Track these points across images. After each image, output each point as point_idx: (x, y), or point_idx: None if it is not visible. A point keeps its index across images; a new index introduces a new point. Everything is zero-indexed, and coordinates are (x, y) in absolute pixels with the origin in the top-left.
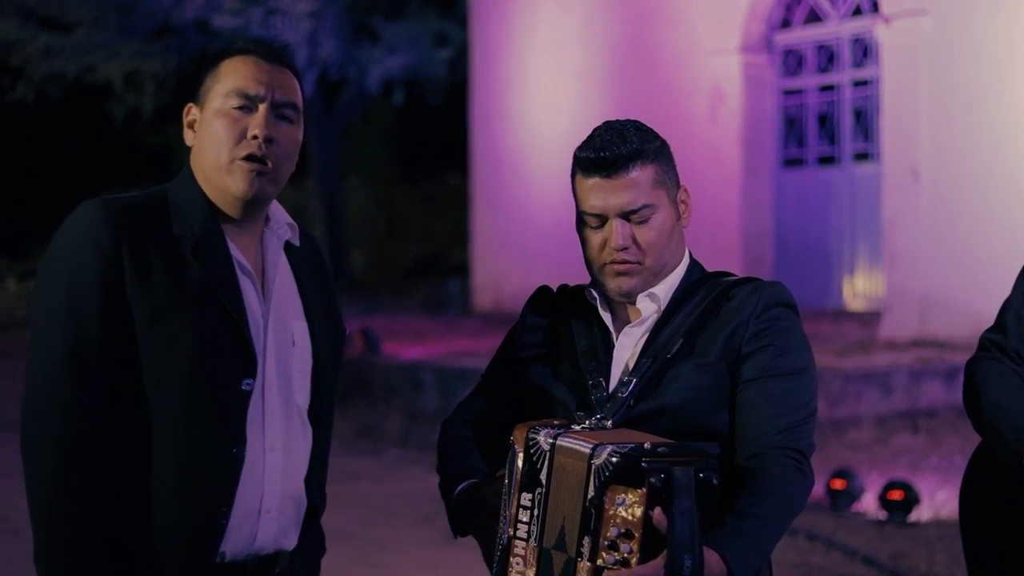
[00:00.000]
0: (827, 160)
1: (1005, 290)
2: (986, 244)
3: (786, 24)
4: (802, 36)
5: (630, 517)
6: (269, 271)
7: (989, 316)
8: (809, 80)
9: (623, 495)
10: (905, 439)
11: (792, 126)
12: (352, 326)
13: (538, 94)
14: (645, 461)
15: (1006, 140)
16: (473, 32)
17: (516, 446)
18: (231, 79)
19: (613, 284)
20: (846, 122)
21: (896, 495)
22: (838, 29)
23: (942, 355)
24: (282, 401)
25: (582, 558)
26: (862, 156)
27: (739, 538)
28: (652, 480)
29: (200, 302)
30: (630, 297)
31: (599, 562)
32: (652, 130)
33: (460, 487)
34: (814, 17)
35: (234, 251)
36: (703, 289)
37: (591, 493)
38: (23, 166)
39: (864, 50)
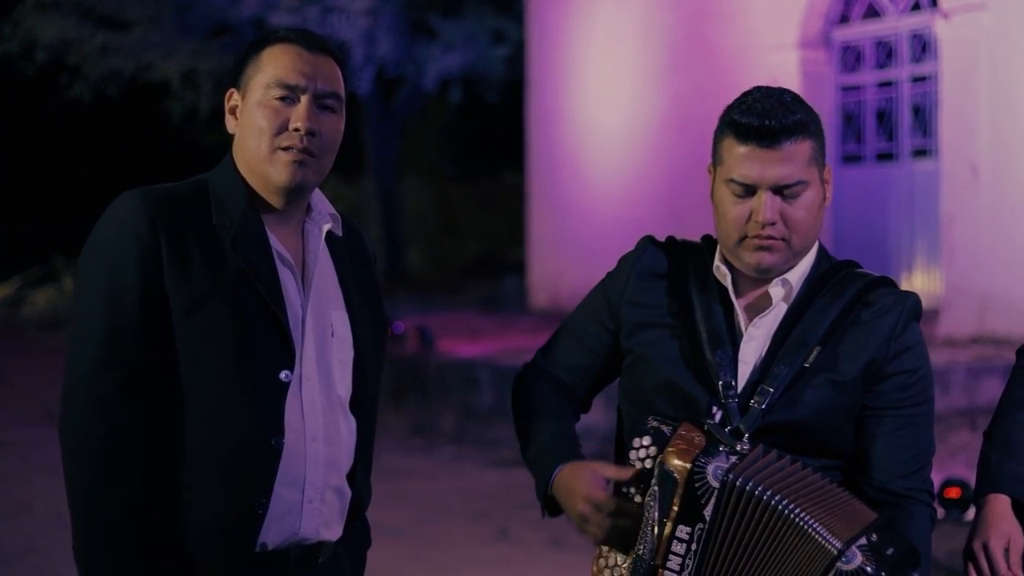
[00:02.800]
0: (885, 156)
1: None
2: None
3: (844, 20)
4: (860, 32)
5: None
6: (309, 261)
7: None
8: (867, 76)
9: None
10: (963, 437)
11: (850, 122)
12: (408, 324)
13: (595, 91)
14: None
15: None
16: (530, 29)
17: (674, 474)
18: (272, 69)
19: (752, 258)
20: (904, 118)
21: (953, 493)
22: (896, 25)
23: (1001, 352)
24: (322, 392)
25: None
26: (920, 152)
27: None
28: None
29: (238, 293)
30: (768, 275)
31: None
32: (806, 102)
33: (561, 469)
34: (872, 13)
35: (274, 241)
36: (834, 282)
37: None
38: (79, 164)
39: (923, 46)
